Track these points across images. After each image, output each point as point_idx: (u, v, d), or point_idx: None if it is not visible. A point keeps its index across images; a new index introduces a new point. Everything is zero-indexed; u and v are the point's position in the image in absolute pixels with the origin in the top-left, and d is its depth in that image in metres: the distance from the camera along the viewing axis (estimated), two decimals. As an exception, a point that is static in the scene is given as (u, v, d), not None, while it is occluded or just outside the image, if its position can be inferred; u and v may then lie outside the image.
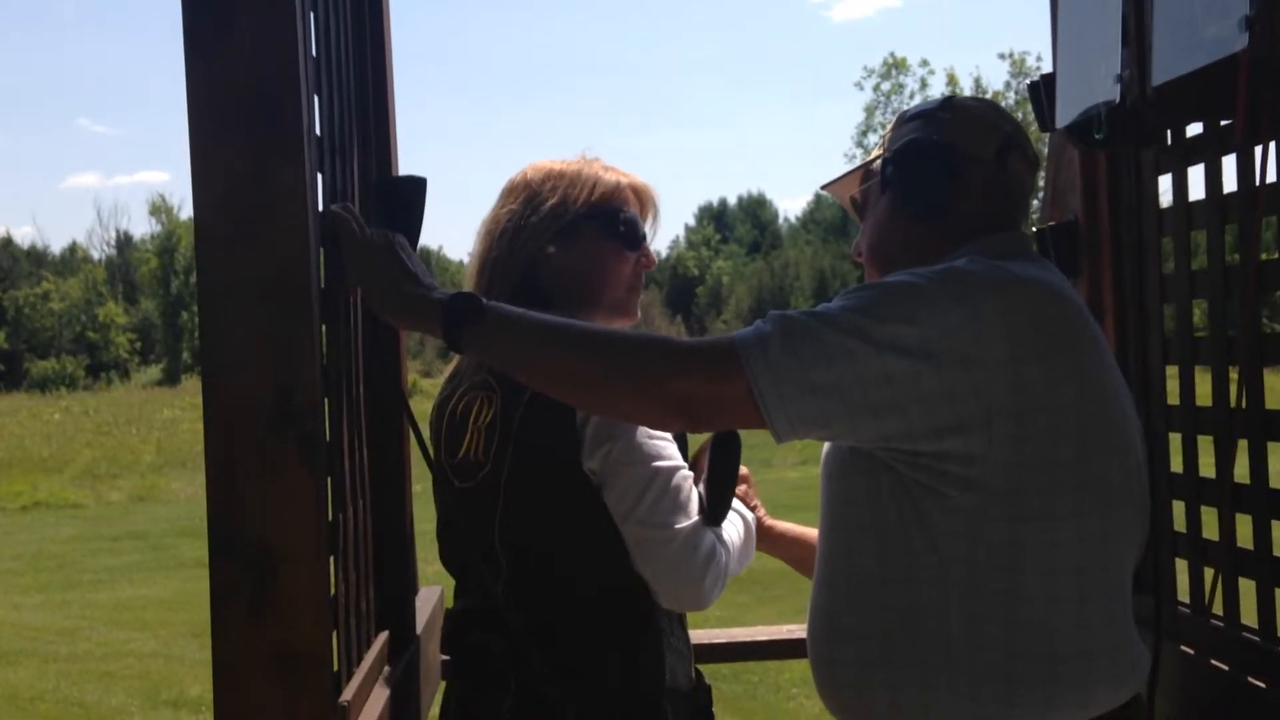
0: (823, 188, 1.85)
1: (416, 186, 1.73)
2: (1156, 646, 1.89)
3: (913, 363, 1.36)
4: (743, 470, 2.02)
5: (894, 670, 1.49)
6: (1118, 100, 1.88)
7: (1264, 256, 1.88)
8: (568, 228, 1.80)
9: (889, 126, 1.74)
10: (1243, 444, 1.91)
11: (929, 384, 1.36)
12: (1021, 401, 1.38)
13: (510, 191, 1.87)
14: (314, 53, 1.61)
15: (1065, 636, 1.43)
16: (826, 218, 72.41)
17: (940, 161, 1.59)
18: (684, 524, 1.65)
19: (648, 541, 1.65)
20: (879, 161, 1.69)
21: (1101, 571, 1.45)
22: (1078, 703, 1.45)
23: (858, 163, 1.80)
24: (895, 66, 30.62)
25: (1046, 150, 2.54)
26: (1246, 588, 1.94)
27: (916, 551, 1.46)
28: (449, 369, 1.92)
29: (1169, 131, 2.11)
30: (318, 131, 1.64)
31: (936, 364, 1.36)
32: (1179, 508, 2.16)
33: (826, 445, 1.62)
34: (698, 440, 1.85)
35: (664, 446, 1.69)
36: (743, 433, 1.86)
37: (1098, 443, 1.43)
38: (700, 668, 1.89)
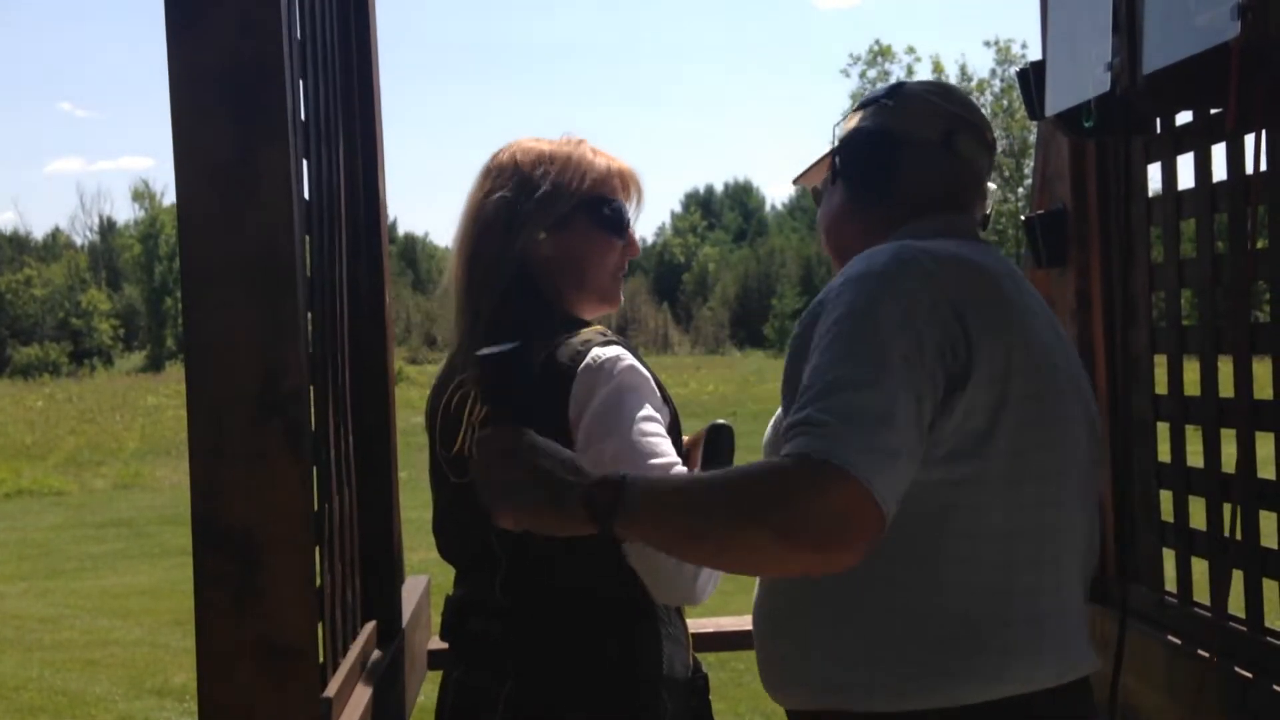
0: (795, 181, 1.86)
1: (520, 359, 1.47)
2: (1122, 623, 1.90)
3: (909, 378, 1.33)
4: None
5: (815, 645, 1.47)
6: (1108, 88, 1.88)
7: (1251, 245, 1.88)
8: (561, 217, 1.78)
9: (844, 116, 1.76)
10: (1230, 433, 1.91)
11: (923, 384, 1.35)
12: (975, 372, 1.37)
13: (497, 173, 1.82)
14: (298, 35, 1.59)
15: (985, 601, 1.40)
16: (813, 205, 72.22)
17: (881, 148, 1.61)
18: None
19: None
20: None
21: (1034, 538, 1.43)
22: (994, 671, 1.40)
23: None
24: (881, 54, 30.54)
25: (1034, 138, 2.54)
26: (1234, 578, 1.94)
27: None
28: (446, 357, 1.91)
29: (1159, 120, 2.10)
30: (302, 116, 1.62)
31: (919, 364, 1.35)
32: (1166, 497, 2.16)
33: (769, 429, 1.59)
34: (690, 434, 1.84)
35: (658, 443, 1.68)
36: (731, 420, 1.85)
37: (1036, 413, 1.42)
38: (696, 656, 1.88)
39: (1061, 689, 1.45)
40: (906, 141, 1.61)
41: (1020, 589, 1.42)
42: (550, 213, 1.77)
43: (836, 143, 1.68)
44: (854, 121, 1.68)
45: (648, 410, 1.68)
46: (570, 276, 1.81)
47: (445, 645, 1.82)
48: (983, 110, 1.72)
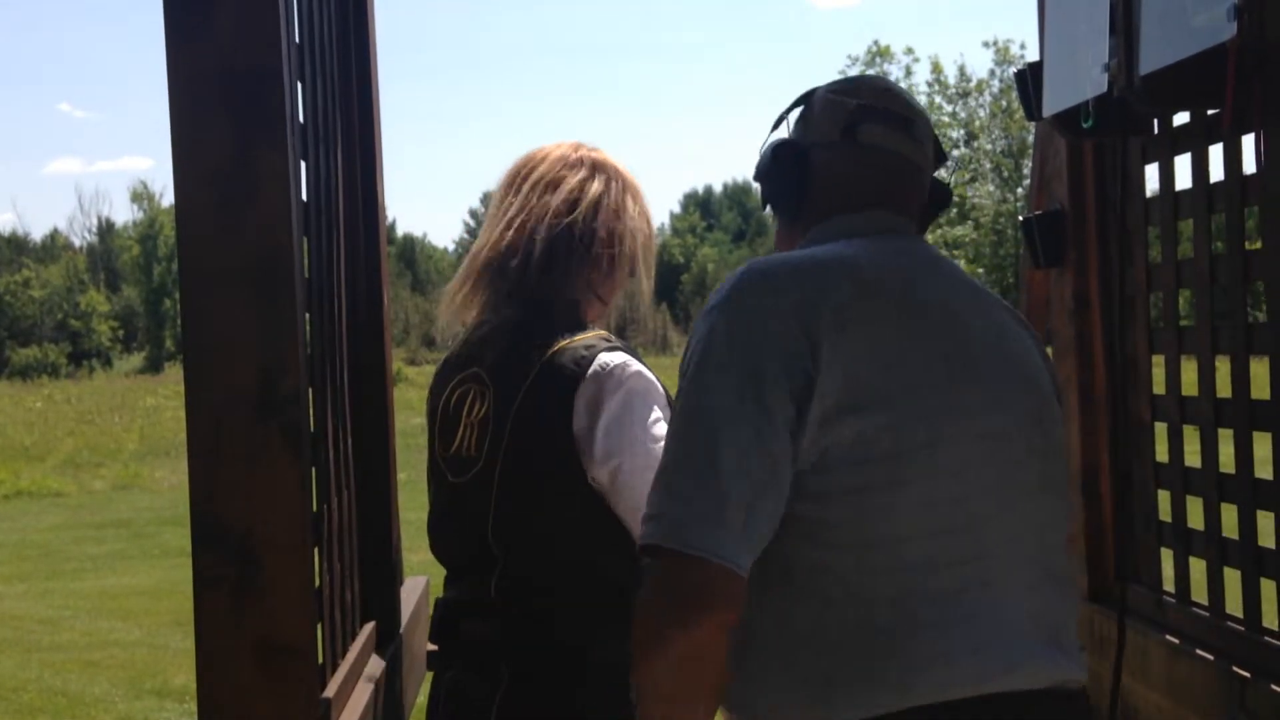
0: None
1: None
2: (1120, 625, 1.90)
3: (743, 414, 1.33)
4: None
5: (733, 671, 1.41)
6: (1105, 89, 1.88)
7: (1247, 246, 1.89)
8: (635, 260, 1.86)
9: None
10: (1227, 433, 1.92)
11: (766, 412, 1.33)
12: (822, 382, 1.33)
13: (607, 175, 1.82)
14: (297, 39, 1.59)
15: (883, 609, 1.35)
16: (812, 206, 72.19)
17: (785, 162, 1.58)
18: None
19: None
20: None
21: (936, 539, 1.36)
22: (898, 678, 1.34)
23: None
24: (880, 54, 30.53)
25: (1032, 138, 2.55)
26: (1232, 577, 1.94)
27: None
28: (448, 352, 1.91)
29: (1156, 121, 2.11)
30: (301, 118, 1.62)
31: (758, 393, 1.33)
32: (1164, 497, 2.16)
33: None
34: None
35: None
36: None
37: (919, 411, 1.36)
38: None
39: (1005, 697, 1.35)
40: (810, 148, 1.57)
41: (923, 593, 1.35)
42: (640, 259, 1.84)
43: (755, 170, 1.65)
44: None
45: (656, 414, 1.70)
46: (603, 295, 1.86)
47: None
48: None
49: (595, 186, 1.78)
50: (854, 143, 1.55)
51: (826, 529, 1.35)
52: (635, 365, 1.70)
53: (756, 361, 1.33)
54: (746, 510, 1.30)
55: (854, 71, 31.38)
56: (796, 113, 1.63)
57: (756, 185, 1.67)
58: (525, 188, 1.79)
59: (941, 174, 1.67)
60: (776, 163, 1.59)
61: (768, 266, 1.42)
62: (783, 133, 1.64)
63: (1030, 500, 1.43)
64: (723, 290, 1.42)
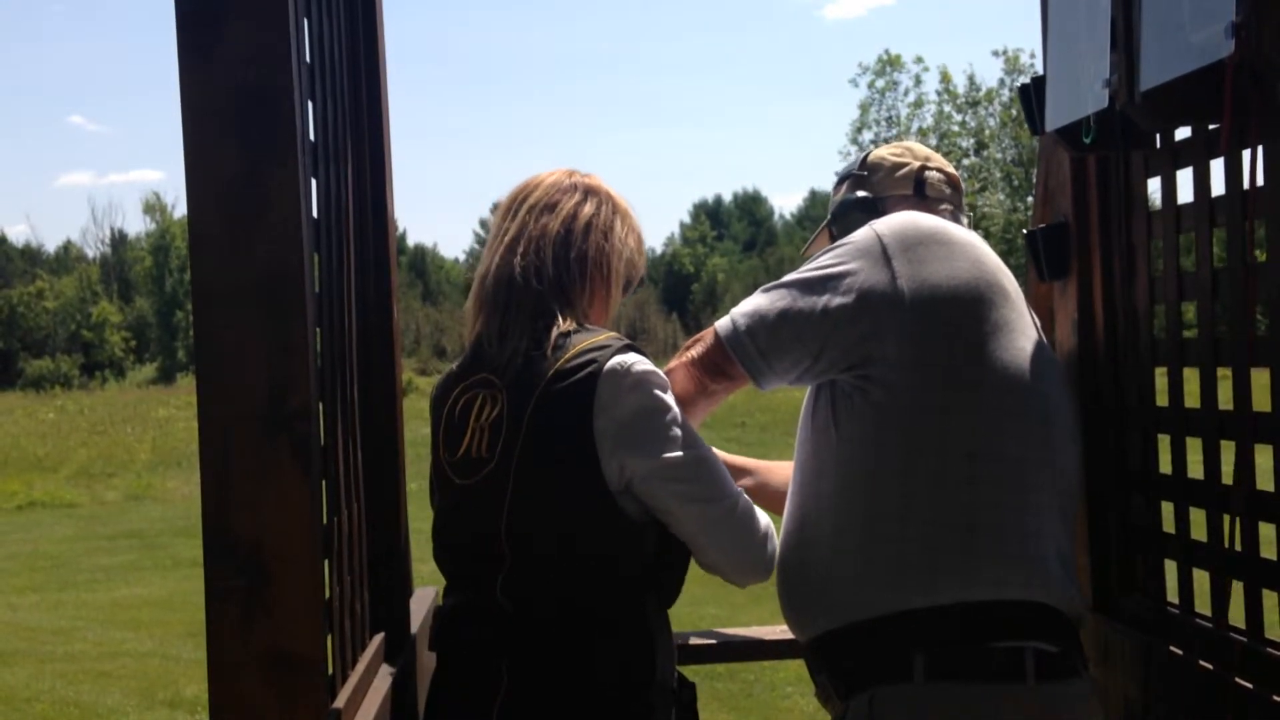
0: (803, 254, 2.17)
1: None
2: (1124, 636, 1.91)
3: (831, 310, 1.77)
4: None
5: (823, 574, 1.74)
6: (1106, 105, 1.89)
7: (1258, 257, 1.90)
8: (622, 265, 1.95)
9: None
10: (1230, 445, 1.92)
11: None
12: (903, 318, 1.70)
13: (599, 197, 1.93)
14: (308, 58, 1.62)
15: (958, 511, 1.64)
16: (821, 215, 72.16)
17: (872, 211, 1.98)
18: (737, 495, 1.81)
19: (714, 520, 1.77)
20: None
21: (998, 462, 1.66)
22: (964, 572, 1.63)
23: (851, 155, 2.12)
24: (889, 63, 30.50)
25: (1037, 150, 2.56)
26: (1234, 589, 1.95)
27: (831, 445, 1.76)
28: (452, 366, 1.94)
29: (1157, 135, 2.12)
30: (311, 137, 1.64)
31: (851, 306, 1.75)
32: (1168, 509, 2.17)
33: (804, 405, 1.90)
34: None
35: (699, 441, 1.80)
36: (740, 430, 1.89)
37: (1007, 374, 1.69)
38: (698, 666, 1.92)
39: (1036, 606, 1.64)
40: (890, 200, 2.01)
41: (993, 505, 1.65)
42: (625, 274, 1.94)
43: (831, 216, 2.09)
44: (840, 194, 2.11)
45: (672, 413, 1.76)
46: (589, 316, 1.89)
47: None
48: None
49: (587, 209, 1.89)
50: (923, 196, 2.03)
51: (929, 436, 1.66)
52: (648, 364, 1.75)
53: (872, 280, 1.72)
54: (780, 361, 1.78)
55: (864, 80, 31.46)
56: (856, 173, 2.08)
57: (831, 226, 2.11)
58: (522, 212, 1.90)
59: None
60: (863, 211, 2.01)
61: (944, 228, 1.80)
62: (846, 189, 2.09)
63: (1064, 459, 1.76)
64: (897, 220, 1.79)
